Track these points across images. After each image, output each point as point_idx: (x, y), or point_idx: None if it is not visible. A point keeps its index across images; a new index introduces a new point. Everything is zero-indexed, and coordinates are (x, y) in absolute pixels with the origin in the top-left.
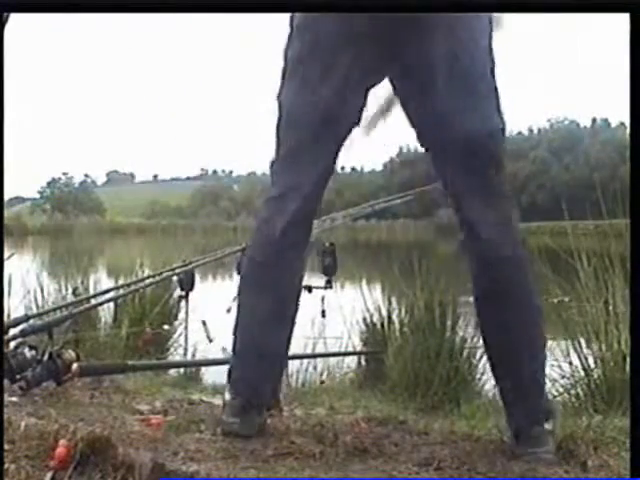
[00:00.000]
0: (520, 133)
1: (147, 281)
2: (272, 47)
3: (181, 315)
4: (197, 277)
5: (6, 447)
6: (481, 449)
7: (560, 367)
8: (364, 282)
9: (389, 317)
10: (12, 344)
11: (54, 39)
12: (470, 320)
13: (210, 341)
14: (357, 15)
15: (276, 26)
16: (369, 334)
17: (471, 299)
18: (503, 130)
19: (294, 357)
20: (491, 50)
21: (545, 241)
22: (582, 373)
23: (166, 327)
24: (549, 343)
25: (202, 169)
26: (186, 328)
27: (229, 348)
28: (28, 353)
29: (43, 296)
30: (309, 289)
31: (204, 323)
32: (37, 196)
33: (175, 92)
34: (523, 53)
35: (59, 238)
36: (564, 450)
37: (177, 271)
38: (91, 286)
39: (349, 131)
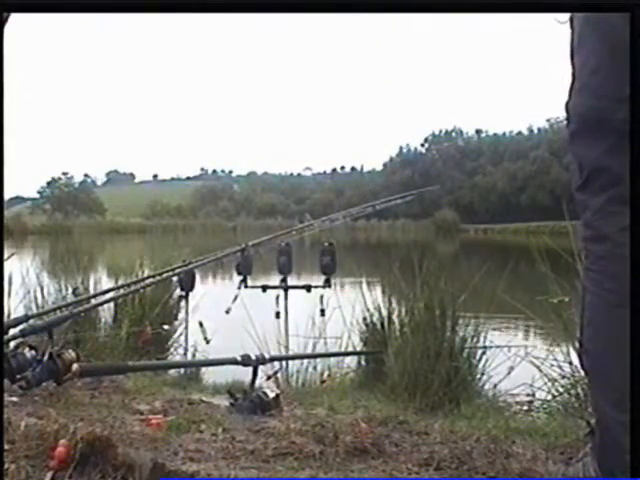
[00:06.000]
0: (520, 133)
1: (147, 281)
2: (272, 47)
3: (181, 315)
4: (197, 277)
5: (6, 447)
6: (481, 449)
7: (560, 367)
8: (364, 282)
9: (389, 317)
10: (12, 344)
11: (54, 39)
12: (470, 320)
13: (207, 342)
14: None
15: (276, 26)
16: (369, 334)
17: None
18: None
19: (294, 357)
20: None
21: (545, 241)
22: (582, 373)
23: (166, 327)
24: (549, 343)
25: (202, 169)
26: (186, 328)
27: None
28: (28, 353)
29: (43, 296)
30: (308, 288)
31: (201, 324)
32: (37, 196)
33: (175, 92)
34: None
35: (59, 238)
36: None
37: (177, 271)
38: (91, 286)
39: None
